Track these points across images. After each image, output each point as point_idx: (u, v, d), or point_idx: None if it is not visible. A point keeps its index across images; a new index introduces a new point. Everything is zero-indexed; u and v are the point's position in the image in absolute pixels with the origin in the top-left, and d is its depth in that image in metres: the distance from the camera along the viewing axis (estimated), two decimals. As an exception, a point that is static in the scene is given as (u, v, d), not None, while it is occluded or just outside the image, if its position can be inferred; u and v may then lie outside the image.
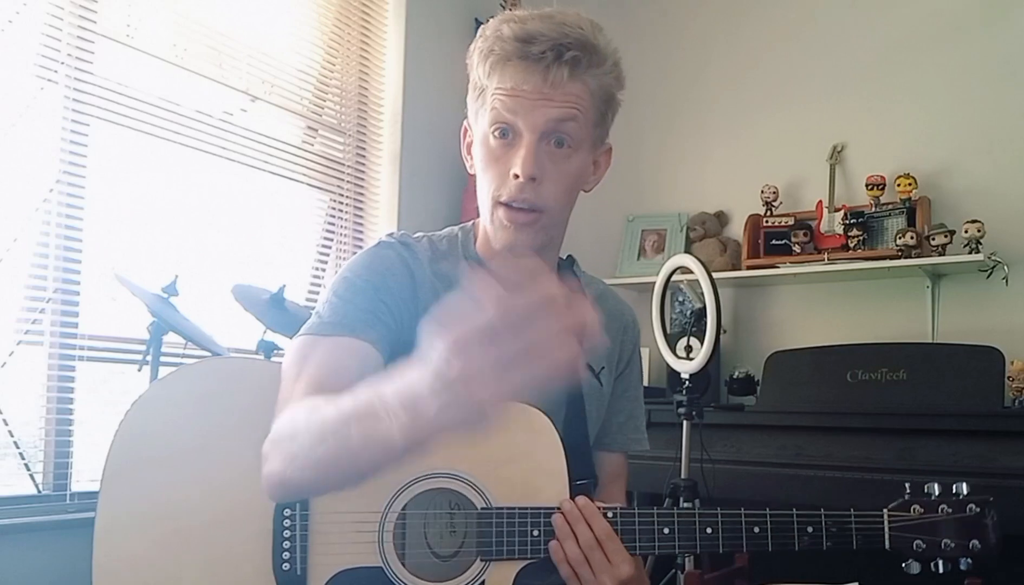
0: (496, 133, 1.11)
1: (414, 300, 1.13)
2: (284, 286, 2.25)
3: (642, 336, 1.37)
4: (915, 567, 1.10)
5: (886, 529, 1.10)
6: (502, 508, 1.06)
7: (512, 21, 1.09)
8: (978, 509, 1.09)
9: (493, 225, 1.13)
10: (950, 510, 1.10)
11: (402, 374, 0.82)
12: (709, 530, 1.08)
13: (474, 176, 1.19)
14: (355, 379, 0.96)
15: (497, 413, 0.77)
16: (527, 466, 1.08)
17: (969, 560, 1.09)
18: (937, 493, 1.11)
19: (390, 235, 1.20)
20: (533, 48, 1.07)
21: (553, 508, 1.07)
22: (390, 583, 1.05)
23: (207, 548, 1.07)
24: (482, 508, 1.07)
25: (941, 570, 1.09)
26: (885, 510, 1.11)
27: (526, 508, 1.06)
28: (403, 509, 1.07)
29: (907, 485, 1.12)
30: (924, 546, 1.09)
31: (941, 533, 1.09)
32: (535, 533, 1.06)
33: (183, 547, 1.07)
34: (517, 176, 1.09)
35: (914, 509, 1.10)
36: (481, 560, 1.06)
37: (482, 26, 1.14)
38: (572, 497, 1.07)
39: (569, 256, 1.30)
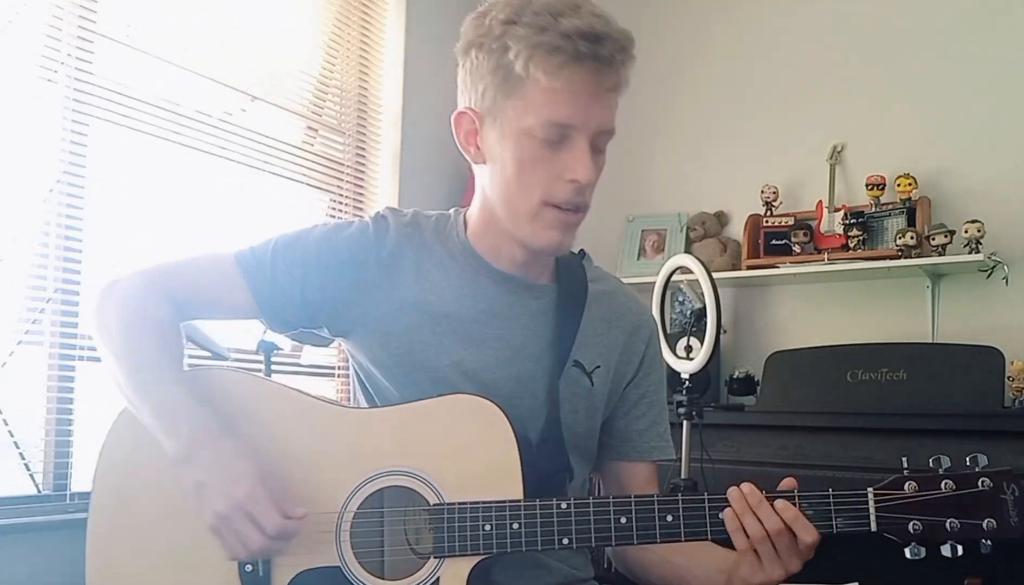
0: (547, 133, 1.05)
1: (361, 283, 1.16)
2: (284, 286, 2.25)
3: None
4: (919, 552, 0.98)
5: (871, 509, 0.99)
6: (454, 503, 1.04)
7: (564, 14, 1.02)
8: (991, 483, 0.97)
9: (537, 225, 1.10)
10: (955, 486, 0.98)
11: (224, 434, 1.03)
12: (624, 520, 1.02)
13: (473, 172, 1.18)
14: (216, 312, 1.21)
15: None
16: (480, 459, 1.05)
17: (988, 542, 0.96)
18: (945, 467, 1.00)
19: (378, 212, 1.22)
20: (604, 49, 1.02)
21: (505, 501, 1.03)
22: (347, 581, 1.05)
23: (182, 548, 1.09)
24: (434, 504, 1.05)
25: (959, 554, 0.96)
26: (870, 489, 1.00)
27: (477, 503, 1.03)
28: (359, 508, 1.07)
29: (904, 459, 1.02)
30: (921, 527, 0.97)
31: (943, 512, 0.97)
32: (487, 527, 1.03)
33: (163, 545, 1.09)
34: (575, 181, 1.06)
35: (908, 486, 0.99)
36: (435, 557, 1.04)
37: (518, 4, 1.05)
38: (525, 489, 1.04)
39: (581, 250, 1.27)
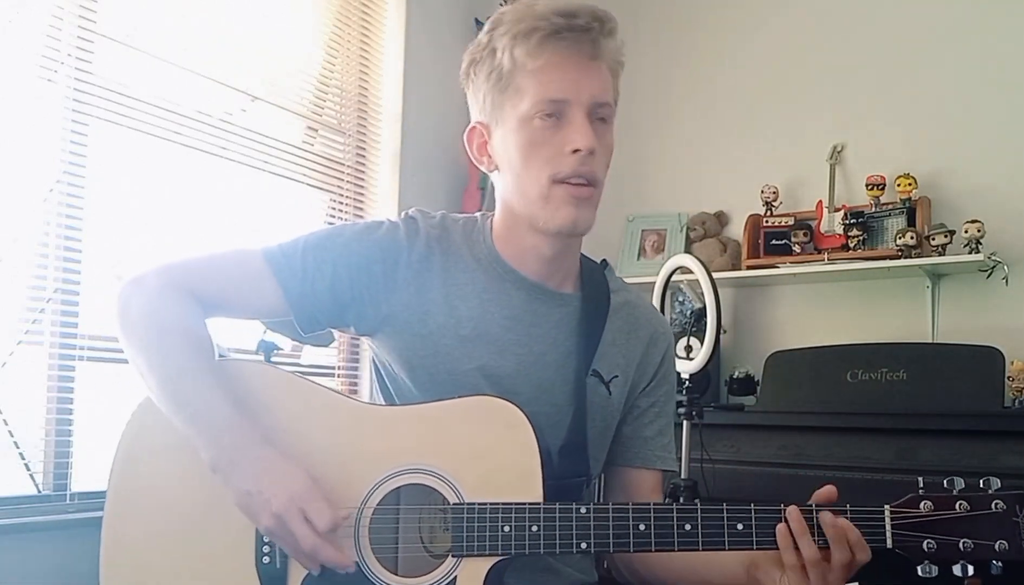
0: (543, 114, 1.08)
1: (390, 284, 1.16)
2: (284, 286, 2.25)
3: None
4: (932, 570, 0.99)
5: (887, 527, 1.00)
6: (473, 503, 1.05)
7: (538, 3, 1.08)
8: (1005, 506, 0.98)
9: (550, 206, 1.11)
10: (969, 507, 0.99)
11: (264, 442, 1.04)
12: (642, 526, 1.03)
13: (476, 176, 1.19)
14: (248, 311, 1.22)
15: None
16: (500, 461, 1.06)
17: (999, 563, 0.98)
18: (959, 488, 1.01)
19: (406, 213, 1.22)
20: (578, 20, 1.07)
21: (525, 503, 1.04)
22: (365, 578, 1.05)
23: (199, 541, 1.10)
24: (454, 503, 1.05)
25: (969, 574, 0.98)
26: (887, 506, 1.01)
27: (497, 503, 1.04)
28: (379, 504, 1.07)
29: (920, 479, 1.02)
30: (935, 547, 0.99)
31: (957, 532, 0.99)
32: (506, 529, 1.03)
33: (179, 540, 1.10)
34: (577, 150, 1.07)
35: (924, 505, 1.00)
36: (453, 556, 1.05)
37: (499, 14, 1.13)
38: (545, 492, 1.05)
39: (603, 260, 1.28)
